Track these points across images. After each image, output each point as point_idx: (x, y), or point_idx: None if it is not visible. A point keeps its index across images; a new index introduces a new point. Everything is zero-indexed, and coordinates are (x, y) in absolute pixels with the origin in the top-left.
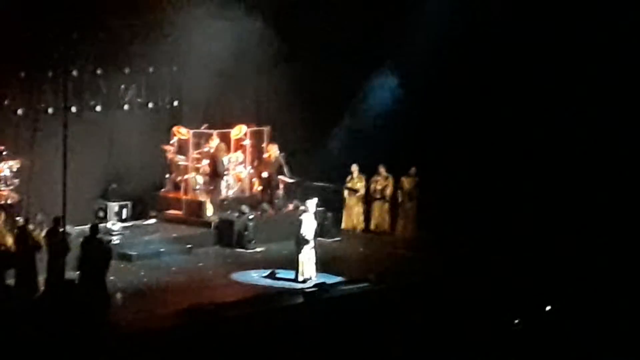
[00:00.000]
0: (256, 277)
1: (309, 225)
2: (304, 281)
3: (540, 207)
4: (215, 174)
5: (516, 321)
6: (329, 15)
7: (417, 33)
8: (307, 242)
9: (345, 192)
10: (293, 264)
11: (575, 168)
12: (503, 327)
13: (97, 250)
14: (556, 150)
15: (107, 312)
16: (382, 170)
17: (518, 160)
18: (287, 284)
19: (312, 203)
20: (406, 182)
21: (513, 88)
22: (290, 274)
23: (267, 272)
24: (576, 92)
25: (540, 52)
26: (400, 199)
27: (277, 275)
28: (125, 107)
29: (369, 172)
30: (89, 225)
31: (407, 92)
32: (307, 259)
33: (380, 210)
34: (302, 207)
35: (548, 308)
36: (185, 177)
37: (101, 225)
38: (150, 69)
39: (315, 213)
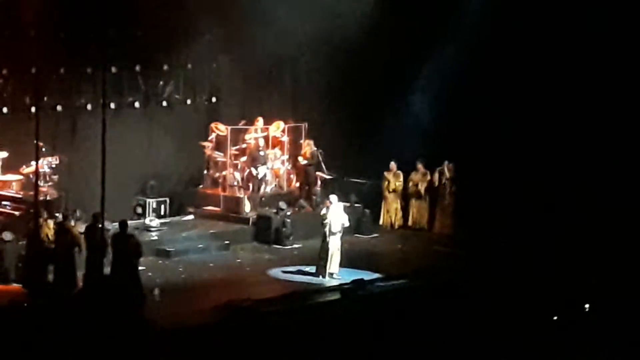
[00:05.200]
0: (280, 272)
1: (333, 219)
2: (332, 275)
3: (579, 204)
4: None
5: (555, 318)
6: (371, 14)
7: (456, 30)
8: (333, 234)
9: (385, 183)
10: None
11: (615, 163)
12: (541, 325)
13: (126, 245)
14: (596, 145)
15: (142, 307)
16: (420, 166)
17: (557, 156)
18: (314, 280)
19: (334, 198)
20: (444, 178)
21: (551, 83)
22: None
23: (291, 268)
24: (617, 90)
25: (580, 49)
26: (437, 195)
27: (303, 271)
28: (164, 103)
29: (407, 169)
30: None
31: (446, 87)
32: (332, 254)
33: (418, 207)
34: (326, 202)
35: (587, 306)
36: (223, 173)
37: (139, 221)
38: (189, 66)
39: (339, 207)
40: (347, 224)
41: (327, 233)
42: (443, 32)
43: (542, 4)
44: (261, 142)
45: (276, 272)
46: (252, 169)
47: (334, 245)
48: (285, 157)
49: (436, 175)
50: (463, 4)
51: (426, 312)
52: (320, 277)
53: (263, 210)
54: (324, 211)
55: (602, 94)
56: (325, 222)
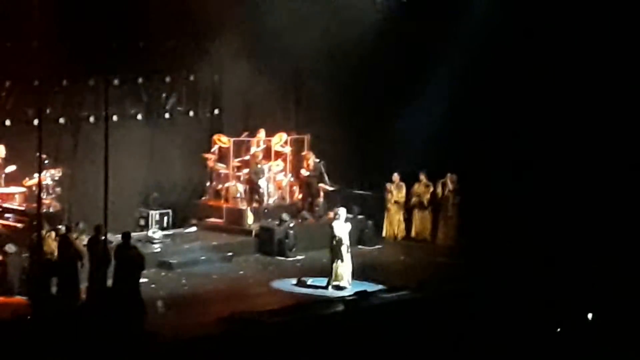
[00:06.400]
0: (289, 285)
1: (340, 233)
2: (338, 288)
3: (582, 214)
4: (250, 181)
5: (558, 330)
6: (374, 27)
7: (458, 40)
8: (338, 249)
9: (388, 195)
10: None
11: (618, 173)
12: (545, 336)
13: (129, 257)
14: (600, 156)
15: (143, 319)
16: (423, 177)
17: (559, 166)
18: (318, 292)
19: (342, 211)
20: (447, 190)
21: (556, 94)
22: (322, 282)
23: (297, 280)
24: (629, 96)
25: (585, 60)
26: (441, 207)
27: (309, 283)
28: (166, 115)
29: (410, 180)
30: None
31: (448, 99)
32: (342, 266)
33: (421, 218)
34: (332, 215)
35: (590, 316)
36: (226, 185)
37: (142, 233)
38: (191, 78)
39: (346, 220)
40: (345, 239)
41: (334, 246)
42: (445, 45)
43: (548, 15)
44: (259, 155)
45: (284, 284)
46: (259, 182)
47: (338, 257)
48: (281, 166)
49: (439, 188)
50: (466, 16)
51: (429, 323)
52: (329, 289)
53: (266, 222)
54: (333, 224)
55: (610, 103)
56: (333, 237)
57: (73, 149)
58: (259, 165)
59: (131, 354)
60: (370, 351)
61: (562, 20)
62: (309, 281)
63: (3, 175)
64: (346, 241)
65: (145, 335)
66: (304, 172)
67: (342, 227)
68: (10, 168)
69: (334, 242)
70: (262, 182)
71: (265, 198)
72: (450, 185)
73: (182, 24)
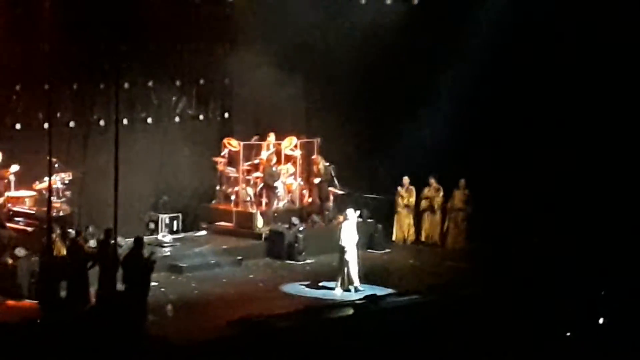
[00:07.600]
0: (299, 289)
1: (348, 235)
2: (347, 290)
3: (592, 217)
4: (266, 184)
5: (568, 334)
6: (386, 32)
7: (468, 44)
8: (344, 251)
9: (398, 199)
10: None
11: (629, 177)
12: (555, 340)
13: (138, 263)
14: (610, 159)
15: (143, 325)
16: (432, 181)
17: (569, 170)
18: (328, 296)
19: (352, 213)
20: (457, 194)
21: (565, 96)
22: (334, 284)
23: (309, 282)
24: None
25: (592, 65)
26: (450, 211)
27: (320, 284)
28: (176, 119)
29: (420, 184)
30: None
31: (459, 103)
32: (348, 268)
33: (430, 222)
34: (341, 217)
35: (601, 321)
36: (236, 188)
37: (152, 237)
38: (201, 81)
39: (357, 223)
40: (353, 242)
41: (341, 248)
42: (458, 50)
43: (557, 21)
44: (273, 158)
45: (294, 287)
46: (275, 184)
47: (345, 259)
48: (291, 170)
49: (450, 192)
50: (477, 21)
51: (439, 327)
52: (340, 291)
53: (275, 225)
54: (342, 226)
55: (619, 106)
56: (341, 239)
57: (83, 153)
58: (274, 168)
59: (140, 357)
60: (379, 355)
61: (571, 26)
62: (322, 284)
63: (13, 179)
64: (354, 243)
65: (155, 339)
66: (314, 176)
67: (350, 229)
68: (14, 167)
69: (341, 244)
70: (278, 184)
71: (275, 202)
72: (460, 190)
73: (192, 28)
